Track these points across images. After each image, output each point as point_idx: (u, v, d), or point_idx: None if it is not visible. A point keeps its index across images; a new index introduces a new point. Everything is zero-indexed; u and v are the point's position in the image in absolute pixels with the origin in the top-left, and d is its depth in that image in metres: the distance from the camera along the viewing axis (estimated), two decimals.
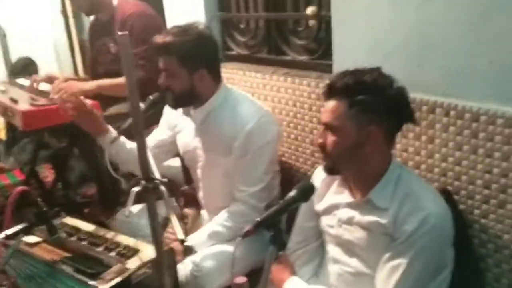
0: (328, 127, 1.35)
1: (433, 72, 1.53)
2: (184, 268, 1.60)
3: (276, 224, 1.24)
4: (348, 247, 1.44)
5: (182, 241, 1.15)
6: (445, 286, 1.38)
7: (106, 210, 2.37)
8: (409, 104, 1.36)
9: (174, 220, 1.11)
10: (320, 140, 1.39)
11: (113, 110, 2.63)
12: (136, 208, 2.07)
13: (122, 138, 1.89)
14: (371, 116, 1.30)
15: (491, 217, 1.46)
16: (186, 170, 2.10)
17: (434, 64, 1.52)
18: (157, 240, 1.39)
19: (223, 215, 1.80)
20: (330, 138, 1.35)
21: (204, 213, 1.97)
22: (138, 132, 1.20)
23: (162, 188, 1.23)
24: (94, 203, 2.63)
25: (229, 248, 1.73)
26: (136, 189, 1.28)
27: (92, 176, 2.54)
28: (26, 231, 1.59)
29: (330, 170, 1.42)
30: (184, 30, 1.74)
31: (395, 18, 1.59)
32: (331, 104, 1.34)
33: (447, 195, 1.49)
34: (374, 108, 1.30)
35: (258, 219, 1.19)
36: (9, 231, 1.63)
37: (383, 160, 1.38)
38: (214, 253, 1.74)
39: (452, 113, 1.49)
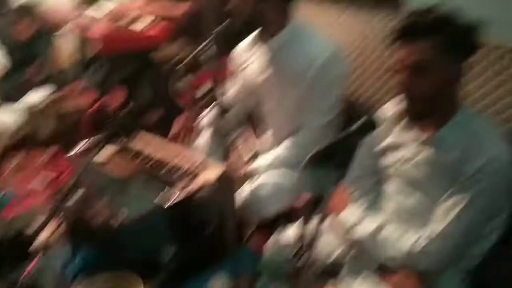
0: (414, 69, 1.32)
1: None
2: (243, 191, 1.67)
3: (338, 154, 1.27)
4: (410, 183, 1.46)
5: (255, 155, 1.19)
6: (497, 231, 1.39)
7: (167, 136, 2.46)
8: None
9: (240, 143, 1.16)
10: (405, 85, 1.35)
11: None
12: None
13: None
14: (454, 53, 1.29)
15: None
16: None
17: None
18: (223, 162, 1.46)
19: (286, 144, 1.84)
20: (417, 81, 1.32)
21: (264, 143, 2.01)
22: None
23: None
24: (157, 129, 2.72)
25: (288, 176, 1.80)
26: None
27: (158, 103, 2.62)
28: (98, 148, 1.68)
29: (417, 114, 1.40)
30: None
31: None
32: (414, 45, 1.31)
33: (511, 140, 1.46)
34: (455, 44, 1.29)
35: (321, 146, 1.22)
36: (83, 146, 1.75)
37: (457, 98, 1.37)
38: (273, 179, 1.81)
39: None
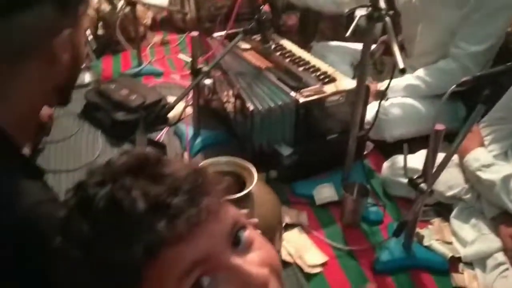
0: None
1: None
2: (372, 108, 1.65)
3: (486, 89, 1.18)
4: None
5: (403, 70, 1.14)
6: None
7: (303, 41, 2.45)
8: None
9: (396, 48, 1.12)
10: None
11: None
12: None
13: None
14: None
15: None
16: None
17: None
18: (362, 73, 1.44)
19: (425, 70, 1.75)
20: None
21: (407, 64, 1.92)
22: None
23: (387, 19, 1.23)
24: (292, 33, 2.72)
25: (423, 102, 1.74)
26: (360, 14, 1.29)
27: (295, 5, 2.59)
28: (243, 35, 1.70)
29: None
30: None
31: None
32: None
33: None
34: None
35: (479, 73, 1.14)
36: (229, 32, 1.79)
37: None
38: (404, 103, 1.75)
39: None
